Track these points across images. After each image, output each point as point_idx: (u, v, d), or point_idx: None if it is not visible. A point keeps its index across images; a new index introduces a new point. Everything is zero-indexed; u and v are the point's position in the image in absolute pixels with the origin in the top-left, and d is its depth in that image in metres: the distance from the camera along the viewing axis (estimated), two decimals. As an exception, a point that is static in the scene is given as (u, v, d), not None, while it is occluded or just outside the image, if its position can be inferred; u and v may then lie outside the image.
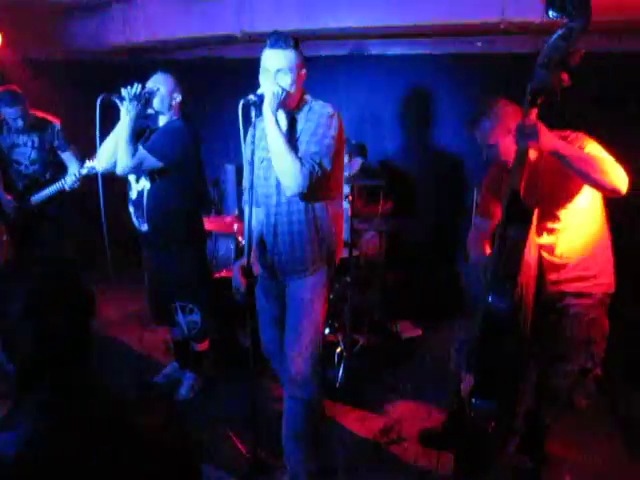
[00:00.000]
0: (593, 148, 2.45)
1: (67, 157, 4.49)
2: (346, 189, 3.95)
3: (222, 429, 3.38)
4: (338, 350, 4.11)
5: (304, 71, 2.66)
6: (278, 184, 2.69)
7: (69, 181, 4.35)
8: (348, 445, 3.38)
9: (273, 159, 2.61)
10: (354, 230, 4.17)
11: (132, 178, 3.48)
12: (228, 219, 5.14)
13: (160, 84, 3.37)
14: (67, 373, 1.37)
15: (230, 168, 5.94)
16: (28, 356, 1.34)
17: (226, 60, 5.98)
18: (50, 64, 5.88)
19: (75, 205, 4.71)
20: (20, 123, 4.27)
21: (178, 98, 3.44)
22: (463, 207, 4.95)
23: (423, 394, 3.87)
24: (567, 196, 2.57)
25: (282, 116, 2.69)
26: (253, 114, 2.63)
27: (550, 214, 2.59)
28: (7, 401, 1.37)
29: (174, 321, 3.73)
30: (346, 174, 3.71)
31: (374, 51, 5.25)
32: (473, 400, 2.43)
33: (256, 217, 2.83)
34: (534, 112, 2.30)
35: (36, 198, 4.44)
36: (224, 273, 4.49)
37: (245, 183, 2.74)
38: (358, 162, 4.56)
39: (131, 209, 3.53)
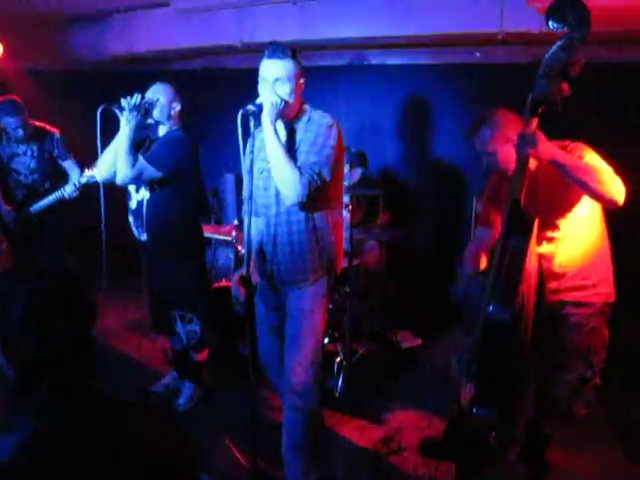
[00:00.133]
0: (592, 158, 2.46)
1: (68, 165, 4.51)
2: (346, 199, 3.95)
3: (221, 439, 3.36)
4: (338, 360, 4.09)
5: (302, 81, 2.67)
6: (278, 194, 2.69)
7: (68, 190, 4.36)
8: (348, 455, 3.36)
9: (272, 169, 2.61)
10: (354, 240, 4.17)
11: (132, 188, 3.48)
12: (227, 228, 5.14)
13: (159, 94, 3.38)
14: (67, 374, 1.37)
15: (229, 178, 5.94)
16: (28, 357, 1.35)
17: (226, 70, 6.00)
18: (50, 74, 5.90)
19: (75, 214, 4.71)
20: (20, 133, 4.29)
21: (177, 108, 3.45)
22: (463, 216, 4.96)
23: (423, 404, 3.85)
24: (566, 205, 2.57)
25: (281, 126, 2.70)
26: (252, 124, 2.62)
27: (550, 223, 2.59)
28: (7, 403, 1.37)
29: (174, 330, 3.73)
30: (346, 184, 3.71)
31: (374, 61, 5.26)
32: (474, 409, 2.43)
33: (256, 227, 2.83)
34: (534, 122, 2.31)
35: (36, 207, 4.45)
36: (223, 283, 4.48)
37: (245, 193, 2.74)
38: (358, 172, 4.57)
39: (131, 219, 3.53)
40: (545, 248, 2.62)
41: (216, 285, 4.48)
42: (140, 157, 3.28)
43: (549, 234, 2.62)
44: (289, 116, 2.67)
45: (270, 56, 2.59)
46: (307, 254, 2.73)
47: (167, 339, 4.06)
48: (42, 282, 1.39)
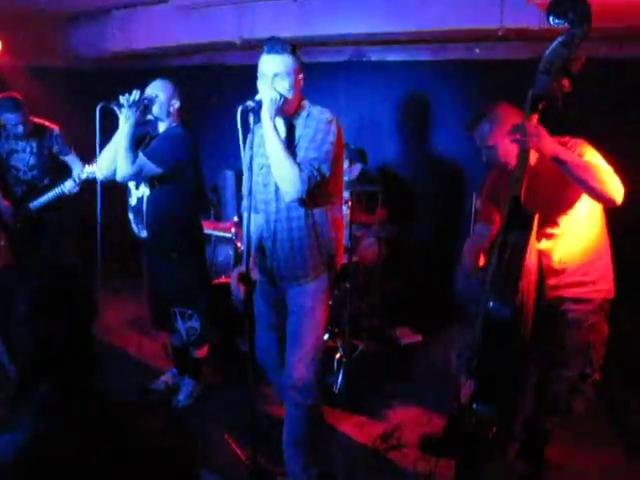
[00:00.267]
0: (592, 156, 2.46)
1: (70, 160, 4.51)
2: (345, 195, 3.95)
3: (221, 435, 3.37)
4: (337, 356, 4.10)
5: (301, 76, 2.67)
6: (277, 190, 2.69)
7: (68, 186, 4.36)
8: (347, 451, 3.37)
9: (272, 165, 2.61)
10: (353, 236, 4.17)
11: (132, 185, 3.48)
12: (227, 225, 5.14)
13: (159, 90, 3.38)
14: (67, 374, 1.37)
15: (229, 174, 5.94)
16: (29, 356, 1.34)
17: (226, 67, 5.99)
18: (50, 71, 5.89)
19: (74, 211, 4.71)
20: (20, 129, 4.28)
21: (177, 104, 3.44)
22: (462, 213, 4.95)
23: (423, 400, 3.86)
24: (566, 202, 2.57)
25: (280, 122, 2.69)
26: (252, 120, 2.62)
27: (549, 219, 2.59)
28: (8, 402, 1.37)
29: (173, 327, 3.73)
30: (345, 179, 3.71)
31: (373, 57, 5.25)
32: (474, 405, 2.43)
33: (255, 223, 2.83)
34: (535, 118, 2.31)
35: (35, 204, 4.44)
36: (223, 279, 4.48)
37: (244, 189, 2.74)
38: (358, 168, 4.56)
39: (131, 215, 3.53)
40: (545, 244, 2.62)
41: (216, 282, 4.48)
42: (140, 154, 3.27)
43: (549, 230, 2.61)
44: (288, 112, 2.67)
45: (269, 51, 2.59)
46: (307, 250, 2.73)
47: (167, 336, 4.06)
48: (42, 280, 1.39)
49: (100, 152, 3.32)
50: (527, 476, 2.92)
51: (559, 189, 2.54)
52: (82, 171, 4.30)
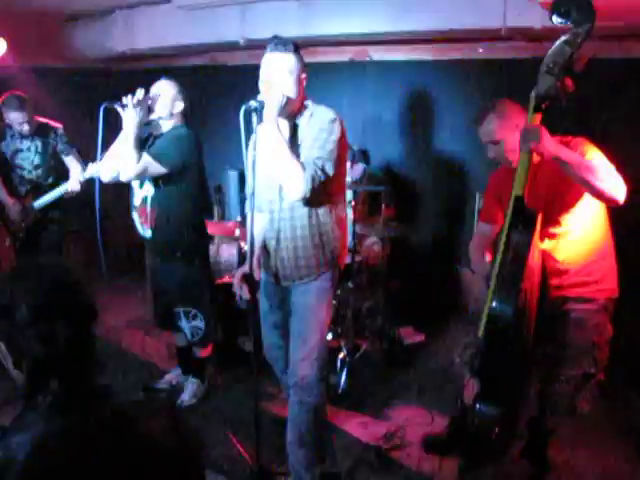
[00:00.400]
0: (594, 154, 2.45)
1: (70, 160, 4.50)
2: (349, 195, 3.95)
3: (225, 434, 3.37)
4: (341, 356, 4.10)
5: (304, 75, 2.67)
6: (281, 190, 2.69)
7: (71, 185, 4.36)
8: (351, 450, 3.37)
9: (275, 165, 2.61)
10: (356, 236, 4.17)
11: (136, 184, 3.48)
12: (230, 225, 5.14)
13: (162, 91, 3.38)
14: (73, 375, 1.38)
15: (232, 174, 5.93)
16: (34, 359, 1.35)
17: (229, 67, 6.00)
18: (53, 71, 5.89)
19: (77, 209, 4.71)
20: (26, 128, 4.28)
21: (181, 104, 3.44)
22: (465, 213, 4.95)
23: (426, 400, 3.86)
24: (569, 201, 2.56)
25: (283, 122, 2.69)
26: (255, 120, 2.62)
27: (552, 219, 2.58)
28: (15, 404, 1.37)
29: (177, 326, 3.73)
30: (348, 180, 3.71)
31: (376, 57, 5.26)
32: (477, 406, 2.43)
33: (259, 223, 2.83)
34: (538, 117, 2.31)
35: (39, 203, 4.45)
36: (227, 279, 4.48)
37: (248, 189, 2.74)
38: (360, 168, 4.57)
39: (135, 215, 3.53)
40: (548, 244, 2.62)
41: (219, 281, 4.48)
42: (145, 153, 3.27)
43: (552, 230, 2.61)
44: (292, 111, 2.66)
45: (272, 50, 2.59)
46: (311, 249, 2.74)
47: (170, 335, 4.07)
48: (42, 280, 1.39)
49: (103, 152, 3.32)
50: (530, 476, 2.92)
51: (562, 188, 2.54)
52: (85, 170, 4.29)
